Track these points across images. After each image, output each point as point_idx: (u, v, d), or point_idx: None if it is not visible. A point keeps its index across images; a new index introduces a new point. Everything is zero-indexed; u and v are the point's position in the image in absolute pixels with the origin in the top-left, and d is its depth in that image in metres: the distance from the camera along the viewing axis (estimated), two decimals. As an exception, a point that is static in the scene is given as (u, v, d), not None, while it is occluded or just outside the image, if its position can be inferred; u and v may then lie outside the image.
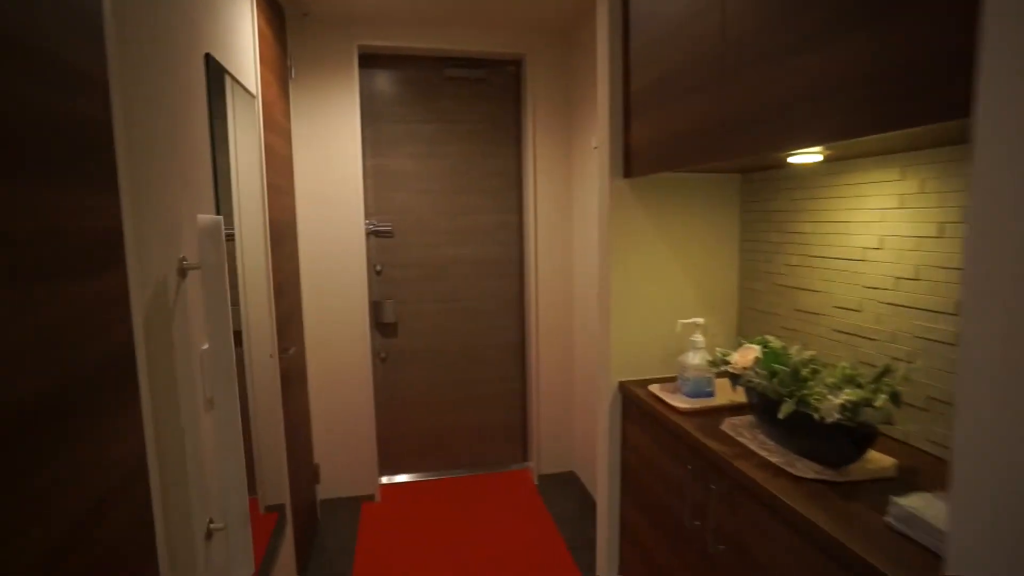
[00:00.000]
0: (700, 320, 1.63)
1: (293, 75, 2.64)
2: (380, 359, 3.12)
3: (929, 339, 1.27)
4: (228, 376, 1.16)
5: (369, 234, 3.01)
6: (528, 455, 3.36)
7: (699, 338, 1.60)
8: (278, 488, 1.97)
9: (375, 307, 3.05)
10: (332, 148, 2.76)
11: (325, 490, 3.01)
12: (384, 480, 3.24)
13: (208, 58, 1.38)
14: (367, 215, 2.99)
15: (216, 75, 1.46)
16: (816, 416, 1.15)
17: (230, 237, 1.95)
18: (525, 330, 3.25)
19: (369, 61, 2.95)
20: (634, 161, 1.55)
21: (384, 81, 3.00)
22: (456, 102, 3.08)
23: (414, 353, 3.15)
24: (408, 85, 3.02)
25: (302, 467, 2.56)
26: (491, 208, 3.17)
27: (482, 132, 3.12)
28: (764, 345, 1.42)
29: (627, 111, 1.59)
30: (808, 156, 1.36)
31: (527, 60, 2.96)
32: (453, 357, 3.21)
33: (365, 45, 2.78)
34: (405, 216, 3.06)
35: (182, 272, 1.17)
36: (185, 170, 1.21)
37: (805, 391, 1.21)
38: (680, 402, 1.58)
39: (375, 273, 3.05)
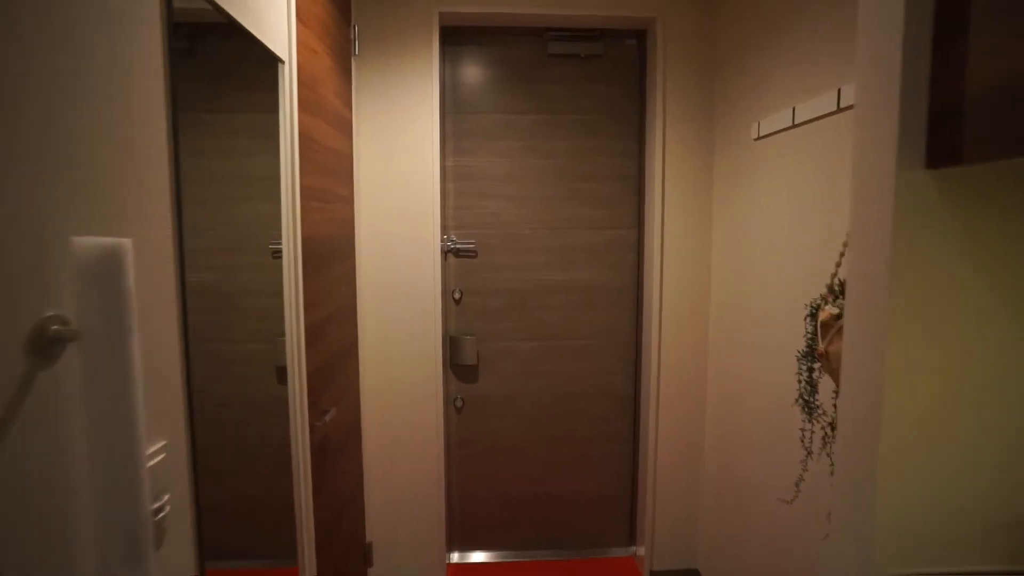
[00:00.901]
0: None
1: (357, 51, 2.09)
2: (455, 408, 2.51)
3: None
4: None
5: (446, 253, 2.41)
6: (636, 538, 2.61)
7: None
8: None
9: (451, 344, 2.44)
10: (402, 144, 2.18)
11: (380, 572, 2.43)
12: (455, 558, 2.61)
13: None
14: (444, 229, 2.39)
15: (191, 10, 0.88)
16: None
17: (277, 254, 1.41)
18: (640, 379, 2.50)
19: (452, 36, 2.35)
20: (967, 130, 0.66)
21: (470, 61, 2.39)
22: (562, 86, 2.41)
23: (498, 401, 2.51)
24: (501, 65, 2.39)
25: (350, 548, 1.99)
26: (603, 221, 2.46)
27: (594, 124, 2.43)
28: None
29: (947, 18, 0.68)
30: None
31: (656, 28, 2.23)
32: (546, 408, 2.53)
33: (448, 13, 2.18)
34: (492, 230, 2.43)
35: (47, 347, 0.59)
36: (72, 152, 0.63)
37: None
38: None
39: (452, 301, 2.45)
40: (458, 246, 2.41)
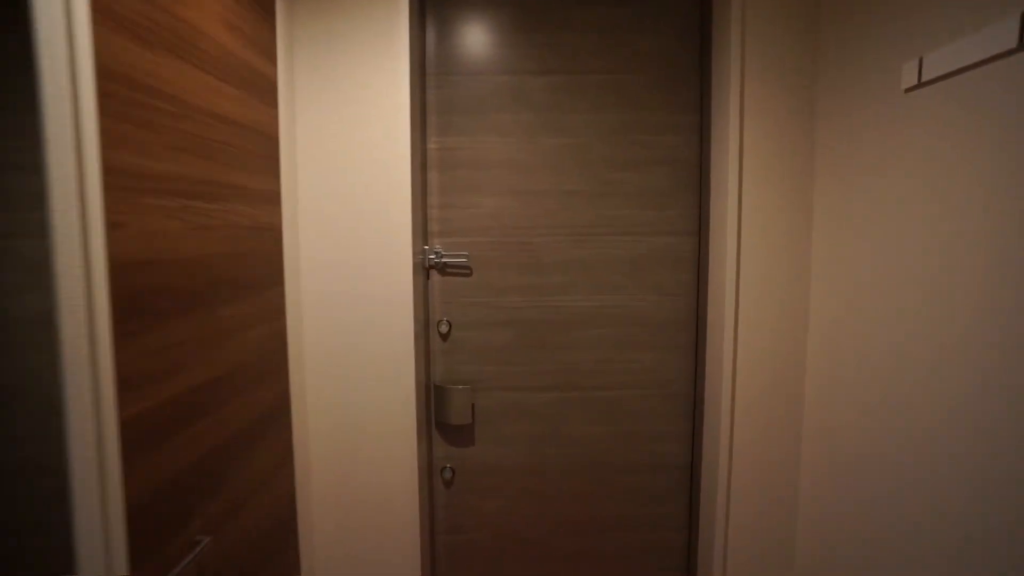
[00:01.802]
0: None
1: (286, -20, 1.44)
2: (443, 480, 1.84)
3: None
4: None
5: (429, 269, 1.74)
6: (694, 657, 1.90)
7: None
8: None
9: (436, 395, 1.76)
10: (360, 118, 1.52)
11: None
12: None
13: None
14: (425, 237, 1.72)
15: None
16: None
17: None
18: (702, 444, 1.79)
19: (438, -33, 1.68)
20: None
21: (460, 5, 1.72)
22: (589, 37, 1.71)
23: (502, 474, 1.83)
24: (504, 8, 1.71)
25: None
26: (647, 225, 1.75)
27: (634, 88, 1.72)
28: None
29: None
30: None
31: (729, -57, 1.52)
32: (569, 484, 1.83)
33: (425, -74, 1.52)
34: (492, 238, 1.75)
35: None
36: None
37: None
38: None
39: (438, 336, 1.77)
40: (445, 260, 1.74)
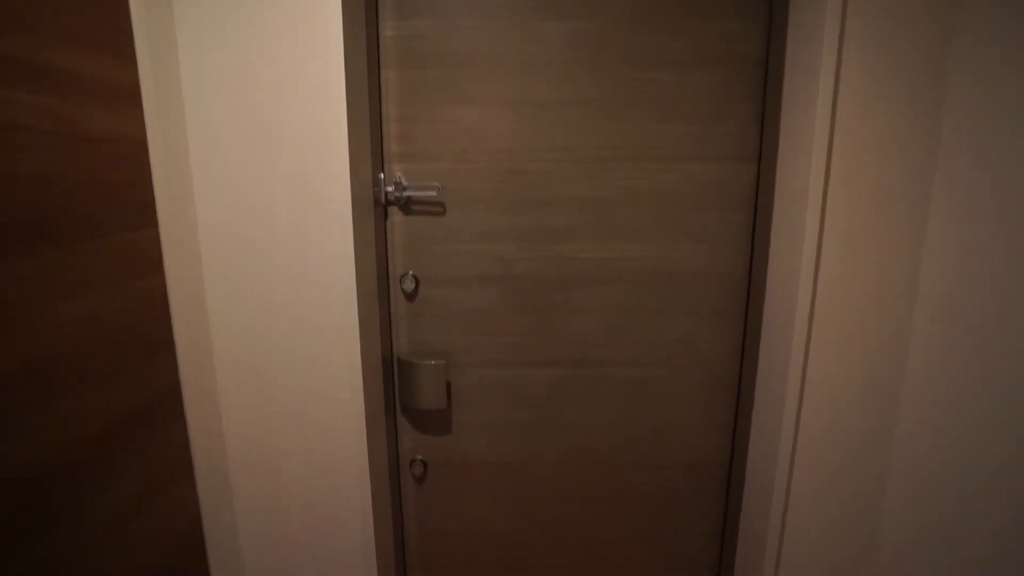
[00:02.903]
0: None
1: None
2: (413, 476, 1.46)
3: None
4: None
5: (386, 205, 1.30)
6: None
7: None
8: None
9: (400, 374, 1.36)
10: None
11: None
12: None
13: None
14: (383, 161, 1.27)
15: None
16: None
17: None
18: (748, 438, 1.37)
19: None
20: None
21: None
22: None
23: (485, 469, 1.44)
24: None
25: None
26: (686, 147, 1.27)
27: (676, -55, 1.21)
28: None
29: None
30: None
31: None
32: (575, 485, 1.44)
33: None
34: (473, 164, 1.28)
35: None
36: None
37: None
38: None
39: (401, 295, 1.35)
40: (408, 193, 1.29)
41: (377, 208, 1.25)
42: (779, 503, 1.23)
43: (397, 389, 1.37)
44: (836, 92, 1.05)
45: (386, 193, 1.27)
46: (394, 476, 1.41)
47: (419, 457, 1.43)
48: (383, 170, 1.27)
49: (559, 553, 1.49)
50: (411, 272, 1.32)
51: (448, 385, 1.38)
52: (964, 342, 1.04)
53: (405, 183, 1.27)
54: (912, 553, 1.18)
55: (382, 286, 1.30)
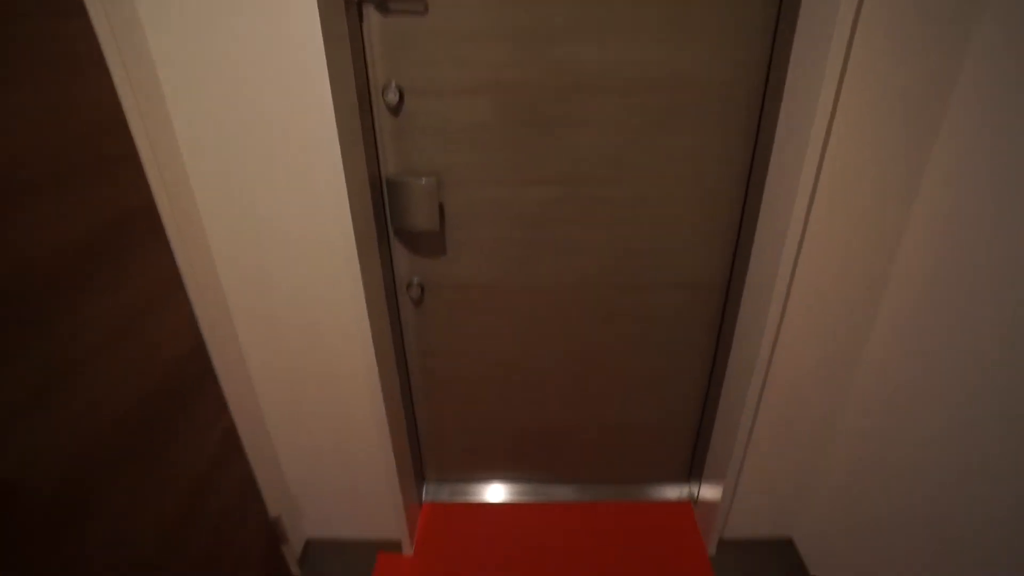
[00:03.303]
0: None
1: None
2: (411, 299, 1.48)
3: None
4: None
5: (357, 3, 1.14)
6: (694, 472, 1.74)
7: None
8: None
9: (390, 194, 1.30)
10: None
11: (311, 533, 1.68)
12: (427, 497, 1.83)
13: None
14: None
15: None
16: None
17: None
18: (748, 259, 1.35)
19: None
20: None
21: None
22: None
23: (482, 291, 1.45)
24: None
25: (238, 536, 1.19)
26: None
27: None
28: None
29: None
30: None
31: None
32: (571, 304, 1.47)
33: None
34: (458, -54, 1.10)
35: None
36: None
37: None
38: None
39: (386, 110, 1.24)
40: (383, -14, 1.12)
41: (350, 9, 1.10)
42: (772, 325, 1.25)
43: (388, 210, 1.33)
44: None
45: (357, -16, 1.10)
46: (391, 299, 1.43)
47: (416, 280, 1.44)
48: (352, -46, 1.09)
49: (557, 369, 1.56)
50: (394, 82, 1.20)
51: (441, 207, 1.33)
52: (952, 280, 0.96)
53: (378, -29, 1.10)
54: (879, 411, 1.22)
55: (363, 98, 1.19)
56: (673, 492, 1.81)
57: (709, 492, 1.63)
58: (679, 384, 1.60)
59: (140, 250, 0.96)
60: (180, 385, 1.06)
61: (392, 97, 1.21)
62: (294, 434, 1.45)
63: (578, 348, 1.53)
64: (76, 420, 0.81)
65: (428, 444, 1.75)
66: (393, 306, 1.44)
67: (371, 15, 1.15)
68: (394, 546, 1.65)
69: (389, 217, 1.34)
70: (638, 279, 1.42)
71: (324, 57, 0.98)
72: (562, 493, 1.81)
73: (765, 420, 1.40)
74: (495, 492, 1.82)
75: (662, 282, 1.43)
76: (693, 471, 1.78)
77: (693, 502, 1.78)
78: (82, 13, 0.84)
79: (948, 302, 1.05)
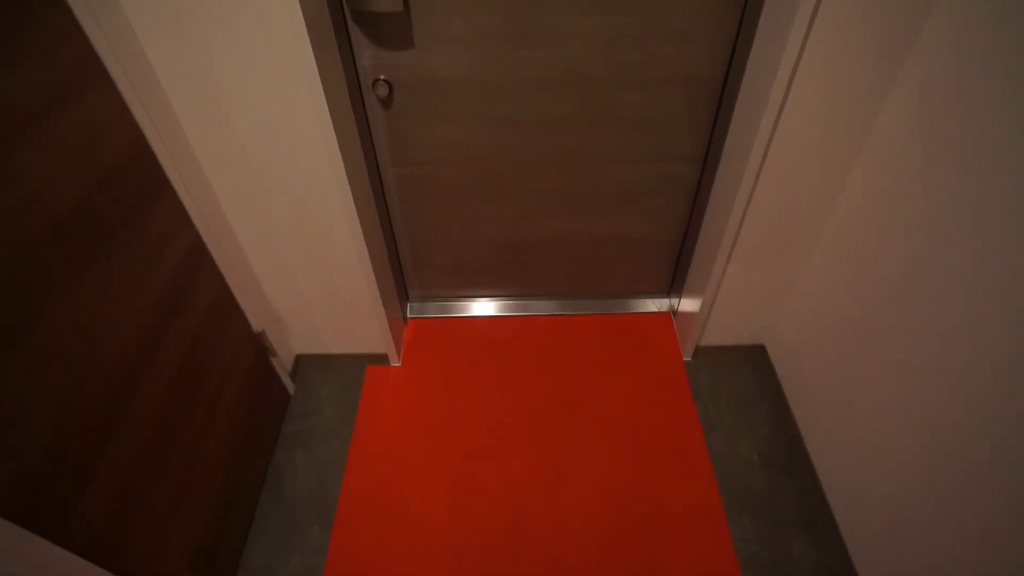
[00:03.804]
0: None
1: None
2: (378, 99, 1.32)
3: None
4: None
5: None
6: (675, 286, 1.76)
7: None
8: None
9: (342, -40, 1.09)
10: None
11: (300, 347, 1.69)
12: (412, 314, 1.85)
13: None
14: None
15: None
16: None
17: None
18: (747, 54, 1.20)
19: None
20: None
21: None
22: None
23: (455, 88, 1.30)
24: None
25: (220, 346, 1.19)
26: None
27: None
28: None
29: None
30: None
31: None
32: (554, 98, 1.33)
33: None
34: None
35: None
36: None
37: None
38: None
39: None
40: None
41: None
42: (768, 125, 1.13)
43: (341, -13, 1.13)
44: None
45: None
46: (356, 99, 1.28)
47: (381, 76, 1.27)
48: None
49: (539, 177, 1.48)
50: None
51: (404, -19, 1.13)
52: None
53: None
54: (862, 225, 1.14)
55: None
56: (654, 305, 1.84)
57: (689, 304, 1.66)
58: (667, 194, 1.53)
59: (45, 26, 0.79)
60: (124, 191, 0.96)
61: None
62: (269, 251, 1.39)
63: (562, 154, 1.42)
64: None
65: (409, 262, 1.72)
66: (359, 108, 1.30)
67: None
68: (382, 359, 1.69)
69: (344, -4, 1.14)
70: (628, 74, 1.27)
71: None
72: (545, 307, 1.84)
73: (750, 231, 1.36)
74: (478, 308, 1.84)
75: (654, 78, 1.28)
76: (675, 285, 1.80)
77: (673, 314, 1.82)
78: None
79: (948, 113, 0.94)
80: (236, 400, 1.33)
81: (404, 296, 1.82)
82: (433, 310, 1.84)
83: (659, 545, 1.32)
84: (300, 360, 1.71)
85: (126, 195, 0.97)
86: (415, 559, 1.31)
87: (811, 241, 1.40)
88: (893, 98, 1.10)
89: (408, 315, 1.83)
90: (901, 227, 1.09)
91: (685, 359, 1.71)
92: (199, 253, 1.19)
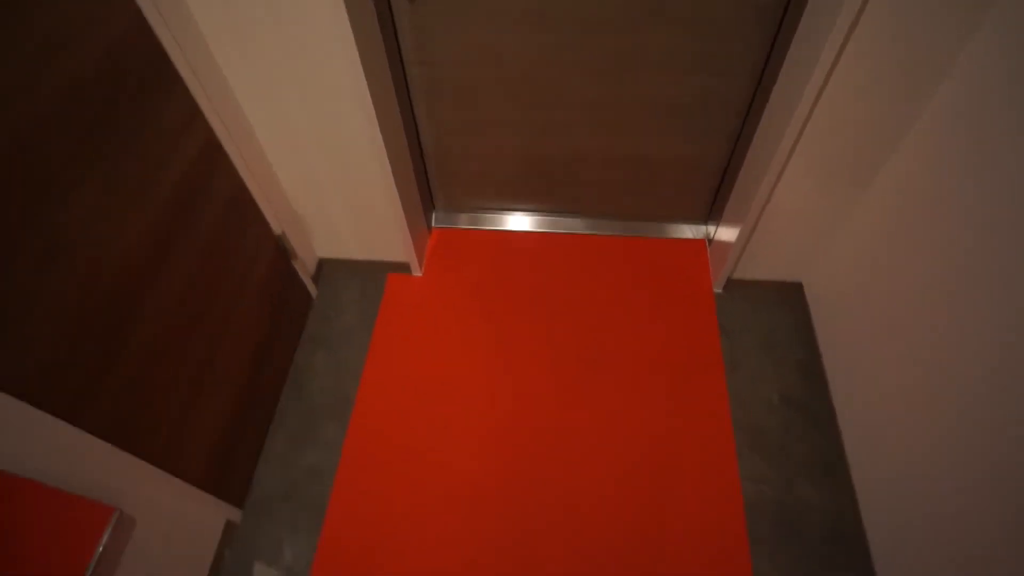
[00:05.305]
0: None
1: None
2: (402, -11, 1.20)
3: None
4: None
5: None
6: (714, 214, 1.65)
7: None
8: None
9: None
10: None
11: (323, 250, 1.69)
12: (437, 223, 1.80)
13: None
14: None
15: None
16: None
17: None
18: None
19: None
20: None
21: None
22: None
23: (490, -21, 1.17)
24: None
25: (239, 246, 1.20)
26: None
27: None
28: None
29: None
30: None
31: None
32: (594, 16, 1.18)
33: None
34: None
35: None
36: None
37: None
38: None
39: None
40: None
41: None
42: (832, 47, 0.97)
43: None
44: None
45: None
46: (379, -12, 1.16)
47: (406, -37, 1.15)
48: None
49: (575, 87, 1.35)
50: None
51: None
52: None
53: None
54: (926, 170, 0.98)
55: None
56: (689, 231, 1.75)
57: (726, 233, 1.56)
58: (715, 112, 1.39)
59: None
60: (126, 72, 0.92)
61: None
62: (289, 152, 1.35)
63: (600, 61, 1.29)
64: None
65: (435, 169, 1.66)
66: (383, 2, 1.19)
67: None
68: (404, 268, 1.68)
69: None
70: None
71: None
72: (574, 225, 1.76)
73: (799, 162, 1.23)
74: (505, 221, 1.78)
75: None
76: (713, 211, 1.69)
77: (708, 242, 1.73)
78: None
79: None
80: (257, 300, 1.35)
81: (429, 205, 1.77)
82: (459, 220, 1.79)
83: (666, 478, 1.33)
84: (323, 264, 1.72)
85: (129, 83, 0.92)
86: (425, 464, 1.36)
87: (870, 175, 1.26)
88: (980, 36, 0.93)
89: (433, 224, 1.79)
90: (969, 177, 0.96)
91: (716, 291, 1.63)
92: (214, 150, 1.15)
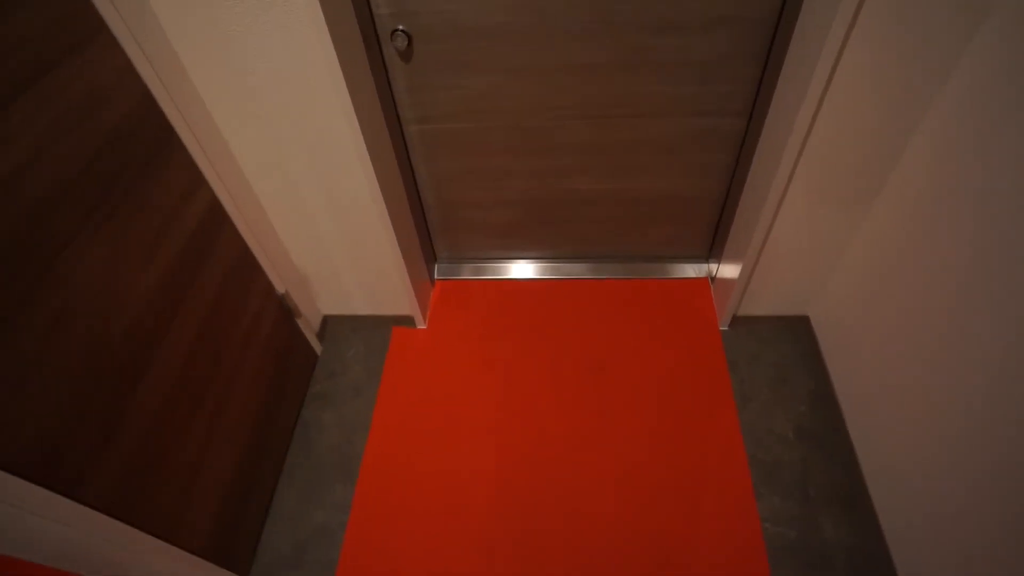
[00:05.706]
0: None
1: None
2: (397, 52, 1.25)
3: None
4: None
5: None
6: (715, 251, 1.66)
7: None
8: None
9: None
10: None
11: (326, 306, 1.69)
12: (439, 275, 1.81)
13: None
14: None
15: None
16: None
17: None
18: (804, -15, 1.06)
19: None
20: None
21: None
22: None
23: (479, 36, 1.21)
24: None
25: (243, 306, 1.20)
26: None
27: None
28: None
29: None
30: None
31: None
32: (588, 45, 1.22)
33: None
34: None
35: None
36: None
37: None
38: None
39: None
40: None
41: None
42: (824, 69, 1.01)
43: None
44: None
45: None
46: (373, 51, 1.21)
47: (400, 27, 1.20)
48: None
49: (572, 132, 1.39)
50: None
51: (419, -80, 1.04)
52: None
53: None
54: (925, 190, 1.00)
55: None
56: (692, 270, 1.75)
57: (728, 271, 1.56)
58: (708, 151, 1.42)
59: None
60: (133, 146, 0.94)
61: None
62: (291, 212, 1.37)
63: (596, 107, 1.33)
64: None
65: (437, 222, 1.68)
66: (377, 61, 1.23)
67: None
68: (408, 321, 1.68)
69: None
70: (669, 13, 1.15)
71: None
72: (577, 270, 1.77)
73: (797, 192, 1.25)
74: (508, 270, 1.79)
75: (698, 20, 1.16)
76: (714, 249, 1.70)
77: (711, 280, 1.73)
78: None
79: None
80: (261, 360, 1.34)
81: (432, 257, 1.78)
82: (461, 272, 1.80)
83: (682, 518, 1.28)
84: (328, 321, 1.72)
85: (135, 156, 0.95)
86: (438, 520, 1.32)
87: (867, 201, 1.27)
88: (979, 41, 0.96)
89: (436, 276, 1.80)
90: (971, 195, 0.97)
91: (721, 328, 1.62)
92: (217, 213, 1.17)
